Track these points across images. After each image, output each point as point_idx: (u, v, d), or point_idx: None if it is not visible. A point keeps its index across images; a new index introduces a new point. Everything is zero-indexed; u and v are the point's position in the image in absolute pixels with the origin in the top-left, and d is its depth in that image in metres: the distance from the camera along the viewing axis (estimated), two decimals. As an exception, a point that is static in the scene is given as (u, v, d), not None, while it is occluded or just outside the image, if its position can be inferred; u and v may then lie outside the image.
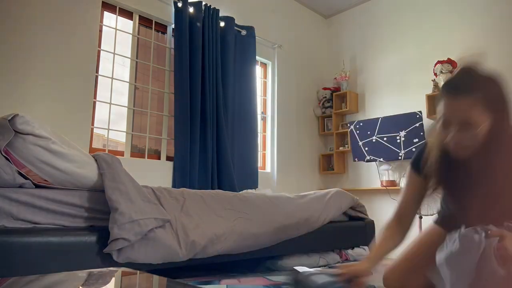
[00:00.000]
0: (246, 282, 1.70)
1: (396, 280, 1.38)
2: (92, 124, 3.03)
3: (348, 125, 4.53)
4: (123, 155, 3.20)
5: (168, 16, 3.59)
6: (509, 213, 1.20)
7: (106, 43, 3.23)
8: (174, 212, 1.64)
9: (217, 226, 1.73)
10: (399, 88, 4.37)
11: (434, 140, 1.26)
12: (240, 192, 2.61)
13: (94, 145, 3.09)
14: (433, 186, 1.32)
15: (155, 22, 3.57)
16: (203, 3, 3.65)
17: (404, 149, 4.02)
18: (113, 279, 0.94)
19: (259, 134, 4.33)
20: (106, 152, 3.04)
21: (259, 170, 4.02)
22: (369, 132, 4.28)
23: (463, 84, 1.12)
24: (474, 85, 1.11)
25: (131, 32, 3.41)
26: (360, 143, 4.35)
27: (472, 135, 1.11)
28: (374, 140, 4.24)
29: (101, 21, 3.20)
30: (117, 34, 3.30)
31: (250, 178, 3.83)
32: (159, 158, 3.45)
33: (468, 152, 1.17)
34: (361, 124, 4.37)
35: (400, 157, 4.04)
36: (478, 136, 1.11)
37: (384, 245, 1.32)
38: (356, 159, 4.40)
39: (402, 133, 4.04)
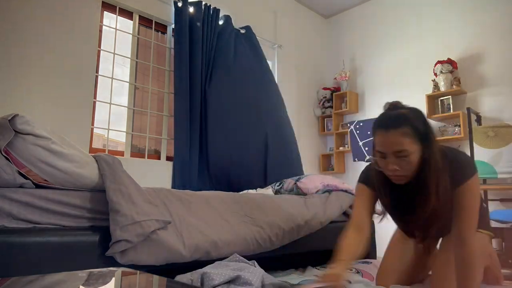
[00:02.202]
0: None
1: (389, 277, 1.60)
2: (92, 124, 3.03)
3: (348, 125, 4.53)
4: (123, 155, 3.20)
5: (168, 16, 3.59)
6: (445, 230, 1.43)
7: (106, 43, 3.23)
8: (179, 214, 1.63)
9: (221, 230, 1.73)
10: (399, 88, 4.37)
11: (375, 170, 1.43)
12: (241, 192, 2.61)
13: (94, 145, 3.09)
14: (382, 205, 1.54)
15: (155, 22, 3.57)
16: (203, 3, 3.65)
17: (404, 149, 4.02)
18: (113, 279, 0.94)
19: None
20: (106, 152, 3.05)
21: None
22: (369, 132, 4.28)
23: (392, 119, 1.29)
24: (402, 119, 1.28)
25: (131, 32, 3.41)
26: (360, 143, 4.34)
27: (406, 162, 1.28)
28: (374, 140, 4.24)
29: (101, 21, 3.20)
30: (117, 34, 3.30)
31: (250, 178, 3.82)
32: (159, 158, 3.45)
33: (406, 180, 1.35)
34: (361, 124, 4.37)
35: (400, 157, 4.04)
36: (411, 163, 1.29)
37: (351, 251, 1.39)
38: (356, 159, 4.40)
39: (402, 133, 4.04)
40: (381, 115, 1.36)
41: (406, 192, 1.40)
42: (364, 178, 1.55)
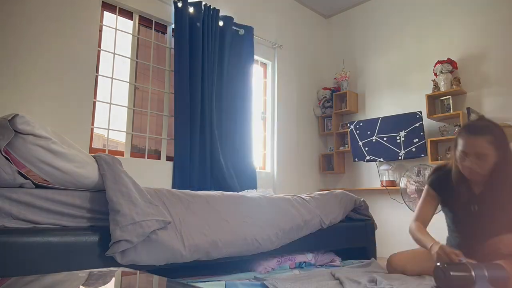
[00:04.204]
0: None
1: (399, 263, 1.90)
2: (92, 124, 3.03)
3: (348, 125, 4.53)
4: (123, 155, 3.20)
5: (168, 16, 3.59)
6: (504, 227, 1.68)
7: (106, 43, 3.23)
8: (179, 214, 1.63)
9: (221, 230, 1.73)
10: (399, 88, 4.37)
11: (453, 166, 1.77)
12: (241, 192, 2.61)
13: (94, 145, 3.09)
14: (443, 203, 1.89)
15: (155, 22, 3.57)
16: (203, 3, 3.65)
17: (404, 149, 4.02)
18: (113, 279, 0.94)
19: (259, 134, 4.32)
20: (106, 152, 3.05)
21: (259, 170, 4.02)
22: (369, 132, 4.28)
23: (480, 127, 1.65)
24: (487, 129, 1.63)
25: (131, 32, 3.41)
26: (360, 143, 4.34)
27: (484, 163, 1.63)
28: (374, 140, 4.24)
29: (101, 21, 3.20)
30: (117, 34, 3.30)
31: (250, 178, 3.83)
32: (159, 158, 3.45)
33: (478, 177, 1.68)
34: (361, 124, 4.36)
35: (400, 157, 4.04)
36: (488, 165, 1.63)
37: (428, 235, 1.76)
38: (356, 159, 4.40)
39: (402, 133, 4.04)
40: (470, 123, 1.75)
41: (478, 201, 1.72)
42: (431, 182, 1.89)
